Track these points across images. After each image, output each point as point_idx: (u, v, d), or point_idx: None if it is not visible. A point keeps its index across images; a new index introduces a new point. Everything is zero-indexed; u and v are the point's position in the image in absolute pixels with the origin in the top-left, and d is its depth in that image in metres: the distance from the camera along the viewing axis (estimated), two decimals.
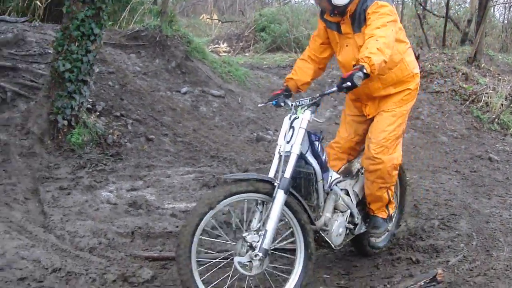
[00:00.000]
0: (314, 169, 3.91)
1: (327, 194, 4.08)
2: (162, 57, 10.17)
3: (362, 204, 4.47)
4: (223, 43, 17.39)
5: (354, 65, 3.63)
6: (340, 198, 4.17)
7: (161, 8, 10.95)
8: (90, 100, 7.44)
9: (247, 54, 16.40)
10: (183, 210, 5.52)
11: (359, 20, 3.99)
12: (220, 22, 20.60)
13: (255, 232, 3.62)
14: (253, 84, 10.85)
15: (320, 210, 4.01)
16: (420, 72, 4.64)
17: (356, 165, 4.52)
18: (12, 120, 6.86)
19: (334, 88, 3.67)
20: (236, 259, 3.58)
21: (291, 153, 3.73)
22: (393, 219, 4.78)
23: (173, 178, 6.41)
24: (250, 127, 9.15)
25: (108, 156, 6.75)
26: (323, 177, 3.98)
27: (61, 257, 4.34)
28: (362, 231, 4.47)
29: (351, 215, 4.28)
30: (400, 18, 14.66)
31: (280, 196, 3.59)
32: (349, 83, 3.54)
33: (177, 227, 5.10)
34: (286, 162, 3.72)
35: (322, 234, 4.03)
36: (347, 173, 4.44)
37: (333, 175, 4.14)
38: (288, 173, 3.65)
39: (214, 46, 17.02)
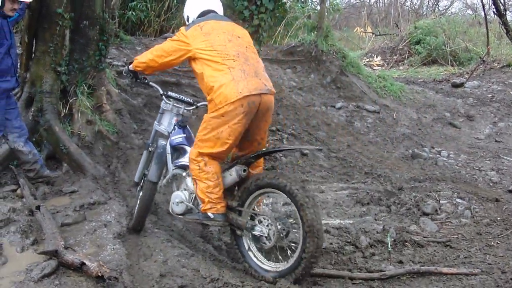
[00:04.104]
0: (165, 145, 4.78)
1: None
2: (317, 72, 10.23)
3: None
4: (376, 57, 17.22)
5: None
6: (186, 179, 4.63)
7: (317, 23, 11.02)
8: None
9: (401, 68, 16.10)
10: (336, 227, 5.43)
11: None
12: (373, 35, 20.38)
13: None
14: (408, 99, 10.56)
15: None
16: None
17: None
18: None
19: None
20: None
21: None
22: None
23: (327, 194, 6.37)
24: (405, 143, 8.91)
25: (264, 170, 6.81)
26: (183, 155, 4.68)
27: (218, 267, 4.47)
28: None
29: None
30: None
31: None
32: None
33: (331, 243, 5.06)
34: None
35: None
36: None
37: (186, 160, 4.60)
38: (149, 139, 5.00)
39: (368, 60, 16.88)
